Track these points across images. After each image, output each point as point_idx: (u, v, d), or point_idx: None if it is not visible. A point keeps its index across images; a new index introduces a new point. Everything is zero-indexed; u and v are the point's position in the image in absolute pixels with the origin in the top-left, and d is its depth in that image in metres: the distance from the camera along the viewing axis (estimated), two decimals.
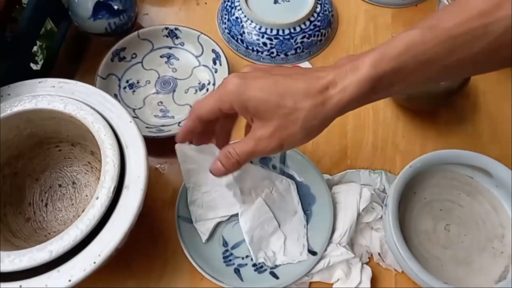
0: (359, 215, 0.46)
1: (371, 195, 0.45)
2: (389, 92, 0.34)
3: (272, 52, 0.58)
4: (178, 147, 0.43)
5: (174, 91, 0.57)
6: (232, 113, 0.36)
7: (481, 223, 0.46)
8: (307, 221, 0.46)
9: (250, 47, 0.58)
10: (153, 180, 0.51)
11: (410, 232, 0.46)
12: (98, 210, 0.38)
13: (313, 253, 0.44)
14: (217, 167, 0.37)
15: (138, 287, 0.45)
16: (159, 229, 0.48)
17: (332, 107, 0.33)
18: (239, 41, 0.59)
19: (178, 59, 0.59)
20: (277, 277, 0.43)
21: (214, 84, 0.56)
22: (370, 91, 0.32)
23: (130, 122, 0.42)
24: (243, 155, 0.35)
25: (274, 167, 0.49)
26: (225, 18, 0.61)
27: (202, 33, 0.57)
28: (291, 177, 0.48)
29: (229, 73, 0.54)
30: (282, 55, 0.58)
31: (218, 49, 0.56)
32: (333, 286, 0.44)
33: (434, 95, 0.50)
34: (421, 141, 0.53)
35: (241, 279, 0.43)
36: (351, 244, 0.46)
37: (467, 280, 0.43)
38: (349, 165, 0.52)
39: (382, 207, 0.47)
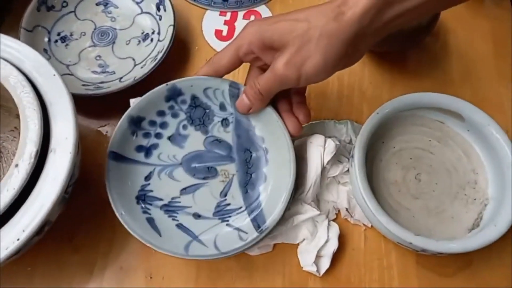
0: (324, 169, 0.42)
1: (335, 146, 0.41)
2: (403, 7, 0.32)
3: None
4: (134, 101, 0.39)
5: (114, 43, 0.50)
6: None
7: (453, 170, 0.44)
8: (265, 181, 0.42)
9: None
10: (94, 144, 0.45)
11: (379, 183, 0.43)
12: (19, 180, 0.32)
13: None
14: (241, 100, 0.40)
15: (83, 263, 0.41)
16: (104, 197, 0.43)
17: (345, 23, 0.32)
18: None
19: (117, 7, 0.52)
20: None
21: (159, 33, 0.49)
22: (382, 4, 0.31)
23: (54, 75, 0.36)
24: (263, 85, 0.36)
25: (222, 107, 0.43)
26: None
27: None
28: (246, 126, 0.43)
29: (174, 20, 0.47)
30: None
31: None
32: (299, 247, 0.40)
33: (401, 35, 0.45)
34: (389, 86, 0.49)
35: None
36: (317, 200, 0.43)
37: (438, 230, 0.41)
38: (313, 116, 0.47)
39: (348, 160, 0.43)
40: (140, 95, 0.40)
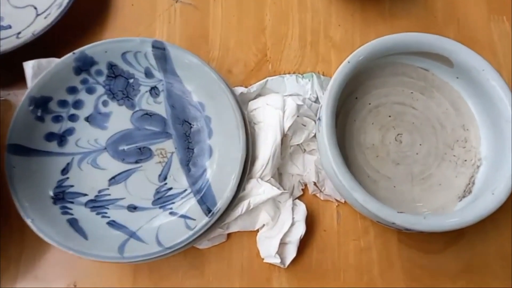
0: (285, 136, 0.33)
1: (297, 107, 0.33)
2: None
3: None
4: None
5: None
6: None
7: (439, 127, 0.36)
8: (211, 155, 0.33)
9: None
10: None
11: (353, 149, 0.35)
12: None
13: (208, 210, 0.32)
14: None
15: None
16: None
17: None
18: None
19: None
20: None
21: None
22: None
23: None
24: None
25: (148, 74, 0.34)
26: None
27: None
28: (174, 95, 0.34)
29: None
30: None
31: None
32: (258, 234, 0.33)
33: None
34: (362, 29, 0.40)
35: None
36: (279, 174, 0.35)
37: (425, 200, 0.34)
38: (271, 71, 0.38)
39: (315, 122, 0.35)
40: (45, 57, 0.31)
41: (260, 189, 0.32)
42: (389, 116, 0.37)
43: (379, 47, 0.34)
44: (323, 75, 0.39)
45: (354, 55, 0.33)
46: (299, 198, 0.35)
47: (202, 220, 0.30)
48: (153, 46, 0.33)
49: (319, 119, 0.32)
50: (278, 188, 0.32)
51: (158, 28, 0.39)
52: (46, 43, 0.35)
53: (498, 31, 0.41)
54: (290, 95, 0.36)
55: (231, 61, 0.39)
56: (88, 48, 0.32)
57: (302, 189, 0.35)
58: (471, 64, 0.34)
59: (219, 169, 0.32)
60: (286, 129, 0.33)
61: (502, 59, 0.40)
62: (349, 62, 0.33)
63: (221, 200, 0.31)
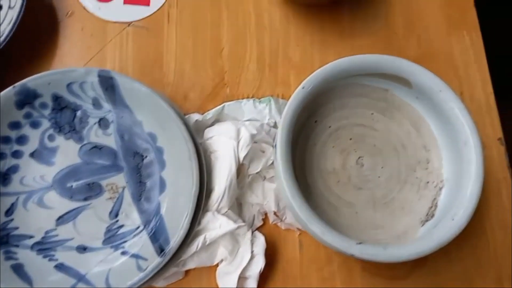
0: (241, 165, 0.32)
1: (251, 137, 0.31)
2: None
3: None
4: None
5: None
6: None
7: (401, 149, 0.36)
8: (164, 189, 0.32)
9: None
10: None
11: (314, 175, 0.34)
12: None
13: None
14: None
15: None
16: None
17: None
18: None
19: None
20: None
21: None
22: None
23: None
24: None
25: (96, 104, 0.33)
26: None
27: None
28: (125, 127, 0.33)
29: None
30: None
31: None
32: (218, 269, 0.32)
33: None
34: (321, 49, 0.40)
35: None
36: (239, 205, 0.34)
37: (388, 225, 0.33)
38: (229, 95, 0.37)
39: (273, 148, 0.34)
40: None
41: (217, 223, 0.31)
42: (350, 139, 0.36)
43: (335, 71, 0.33)
44: (282, 97, 0.38)
45: (309, 80, 0.32)
46: (260, 228, 0.33)
47: (154, 261, 0.29)
48: (99, 76, 0.31)
49: (275, 146, 0.31)
50: (236, 221, 0.31)
51: (109, 53, 0.38)
52: None
53: (458, 45, 0.41)
54: (248, 120, 0.35)
55: (187, 86, 0.37)
56: (30, 81, 0.31)
57: (263, 219, 0.34)
58: (429, 85, 0.33)
59: (173, 203, 0.31)
60: (241, 159, 0.31)
61: (463, 73, 0.40)
62: (303, 87, 0.32)
63: (174, 238, 0.29)
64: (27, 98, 0.31)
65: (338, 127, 0.36)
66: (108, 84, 0.32)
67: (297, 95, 0.32)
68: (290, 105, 0.32)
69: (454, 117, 0.32)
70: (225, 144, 0.31)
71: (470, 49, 0.40)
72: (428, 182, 0.35)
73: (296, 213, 0.29)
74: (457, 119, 0.32)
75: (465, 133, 0.32)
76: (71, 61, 0.37)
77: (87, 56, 0.37)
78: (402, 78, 0.34)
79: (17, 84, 0.31)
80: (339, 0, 0.40)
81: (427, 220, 0.33)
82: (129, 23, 0.39)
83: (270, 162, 0.34)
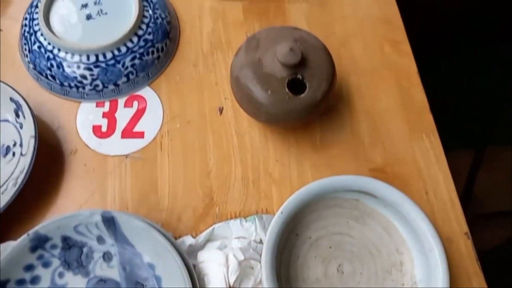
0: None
1: (238, 264, 0.35)
2: None
3: (97, 85, 0.45)
4: None
5: None
6: None
7: (376, 253, 0.39)
8: None
9: (66, 83, 0.44)
10: None
11: (299, 286, 0.38)
12: None
13: None
14: None
15: None
16: None
17: None
18: (50, 77, 0.45)
19: None
20: None
21: (21, 145, 0.41)
22: None
23: None
24: None
25: (100, 241, 0.37)
26: (25, 50, 0.46)
27: None
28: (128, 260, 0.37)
29: (35, 130, 0.40)
30: (111, 86, 0.45)
31: (17, 97, 0.41)
32: None
33: (296, 111, 0.40)
34: (297, 161, 0.44)
35: None
36: None
37: None
38: (218, 214, 0.42)
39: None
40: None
41: None
42: (330, 247, 0.40)
43: (310, 194, 0.38)
44: (266, 211, 0.42)
45: (286, 205, 0.37)
46: None
47: None
48: (102, 216, 0.36)
49: (261, 266, 0.35)
50: None
51: (110, 184, 0.42)
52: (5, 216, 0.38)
53: (419, 148, 0.46)
54: (236, 237, 0.39)
55: (180, 209, 0.42)
56: (41, 228, 0.35)
57: None
58: (392, 199, 0.38)
59: None
60: (231, 283, 0.35)
61: (426, 174, 0.44)
62: (282, 212, 0.36)
63: None
64: (39, 243, 0.35)
65: (317, 237, 0.40)
66: (110, 222, 0.36)
67: (277, 219, 0.36)
68: (272, 229, 0.36)
69: (418, 227, 0.37)
70: (216, 270, 0.35)
71: (430, 150, 0.45)
72: (404, 284, 0.38)
73: None
74: (420, 229, 0.36)
75: (428, 242, 0.36)
76: (76, 195, 0.42)
77: (90, 189, 0.42)
78: (370, 193, 0.39)
79: (31, 232, 0.35)
80: (308, 123, 0.46)
81: None
82: (126, 155, 0.44)
83: (259, 279, 0.37)
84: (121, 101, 0.46)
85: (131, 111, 0.46)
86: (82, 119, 0.45)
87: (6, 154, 0.42)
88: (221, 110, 0.47)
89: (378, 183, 0.38)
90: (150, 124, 0.45)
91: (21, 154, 0.41)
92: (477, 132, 1.17)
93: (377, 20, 0.53)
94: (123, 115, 0.45)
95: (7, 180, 0.40)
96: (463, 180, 1.16)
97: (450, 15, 1.01)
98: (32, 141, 0.40)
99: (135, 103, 0.46)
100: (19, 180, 0.38)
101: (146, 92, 0.47)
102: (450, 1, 0.97)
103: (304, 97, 0.39)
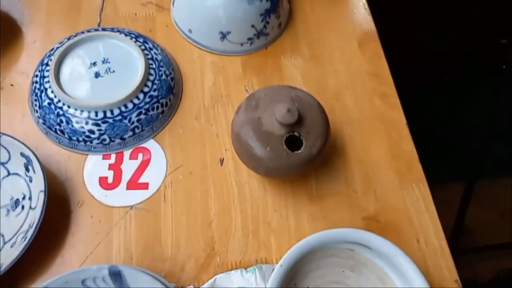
0: None
1: None
2: None
3: (104, 139, 0.47)
4: None
5: None
6: None
7: None
8: None
9: (75, 138, 0.47)
10: None
11: None
12: None
13: None
14: None
15: None
16: None
17: None
18: (59, 132, 0.47)
19: None
20: None
21: (30, 198, 0.43)
22: None
23: None
24: None
25: None
26: (35, 105, 0.48)
27: (3, 134, 0.44)
28: None
29: (45, 184, 0.42)
30: (117, 140, 0.47)
31: (27, 152, 0.43)
32: None
33: (293, 166, 0.43)
34: (294, 211, 0.47)
35: None
36: None
37: None
38: (219, 264, 0.43)
39: None
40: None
41: None
42: None
43: (308, 247, 0.39)
44: (266, 260, 0.44)
45: (285, 259, 0.38)
46: None
47: None
48: (109, 270, 0.37)
49: None
50: None
51: (115, 235, 0.44)
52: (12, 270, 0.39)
53: (410, 197, 0.48)
54: None
55: (183, 259, 0.43)
56: (51, 283, 0.36)
57: None
58: (385, 251, 0.40)
59: None
60: None
61: (417, 222, 0.47)
62: (281, 265, 0.38)
63: None
64: None
65: (316, 286, 0.42)
66: (116, 276, 0.37)
67: (277, 272, 0.38)
68: (272, 282, 0.37)
69: (411, 278, 0.39)
70: None
71: (420, 200, 0.48)
72: None
73: None
74: (413, 280, 0.38)
75: None
76: (82, 247, 0.43)
77: (96, 240, 0.44)
78: (363, 244, 0.41)
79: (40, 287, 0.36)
80: (304, 175, 0.48)
81: None
82: (131, 206, 0.46)
83: None
84: (127, 153, 0.48)
85: (136, 163, 0.48)
86: (89, 171, 0.47)
87: (15, 207, 0.44)
88: (221, 161, 0.49)
89: (372, 236, 0.40)
90: (154, 175, 0.47)
91: (30, 207, 0.43)
92: (467, 166, 1.21)
93: (366, 74, 0.57)
94: (128, 167, 0.48)
95: (15, 234, 0.42)
96: (454, 213, 1.19)
97: (437, 54, 1.06)
98: (42, 195, 0.41)
99: (140, 155, 0.48)
100: (29, 235, 0.40)
101: (151, 144, 0.49)
102: (436, 42, 1.03)
103: (301, 153, 0.42)
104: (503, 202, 1.13)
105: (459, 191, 1.20)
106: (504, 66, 0.97)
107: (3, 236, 0.42)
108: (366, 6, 0.63)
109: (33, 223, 0.40)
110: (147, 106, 0.48)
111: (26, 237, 0.40)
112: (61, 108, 0.46)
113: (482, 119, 1.16)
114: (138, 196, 0.46)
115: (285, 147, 0.42)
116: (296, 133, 0.42)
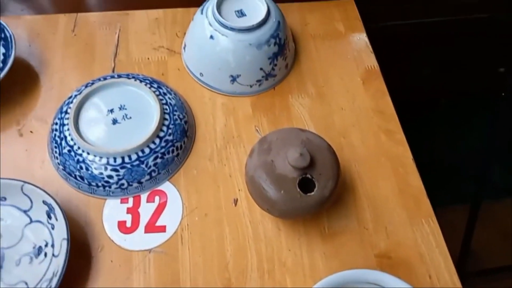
0: None
1: None
2: None
3: (123, 184, 0.49)
4: None
5: (0, 267, 0.44)
6: None
7: None
8: None
9: (94, 183, 0.48)
10: None
11: None
12: None
13: None
14: None
15: None
16: None
17: None
18: (79, 178, 0.49)
19: (1, 219, 0.46)
20: None
21: (53, 246, 0.45)
22: None
23: None
24: None
25: None
26: (56, 152, 0.50)
27: (25, 182, 0.46)
28: None
29: (67, 231, 0.43)
30: (135, 184, 0.49)
31: (49, 200, 0.45)
32: None
33: (306, 208, 0.44)
34: (308, 251, 0.48)
35: None
36: None
37: None
38: None
39: None
40: None
41: None
42: None
43: None
44: None
45: None
46: None
47: None
48: None
49: None
50: None
51: (135, 279, 0.45)
52: None
53: (420, 233, 0.49)
54: None
55: None
56: None
57: None
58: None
59: None
60: None
61: (428, 258, 0.48)
62: None
63: None
64: None
65: None
66: None
67: None
68: None
69: None
70: None
71: (430, 235, 0.49)
72: None
73: None
74: None
75: None
76: None
77: (116, 285, 0.45)
78: (378, 284, 0.42)
79: None
80: (320, 212, 0.50)
81: None
82: (150, 250, 0.47)
83: None
84: (144, 197, 0.50)
85: (153, 206, 0.49)
86: (108, 215, 0.49)
87: (38, 254, 0.45)
88: (235, 202, 0.51)
89: (385, 276, 0.41)
90: (171, 217, 0.49)
91: (53, 255, 0.44)
92: (471, 188, 1.22)
93: (371, 111, 0.59)
94: (146, 210, 0.49)
95: (40, 281, 0.43)
96: (460, 236, 1.19)
97: (436, 84, 1.09)
98: (65, 243, 0.43)
99: (157, 198, 0.50)
100: (53, 283, 0.41)
101: (167, 187, 0.51)
102: (434, 73, 1.05)
103: (314, 195, 0.44)
104: (505, 224, 1.14)
105: (464, 214, 1.21)
106: (503, 94, 1.00)
107: (26, 283, 0.43)
108: (369, 44, 0.66)
109: (57, 272, 0.41)
110: (163, 150, 0.50)
111: (51, 286, 0.41)
112: (80, 155, 0.48)
113: (481, 143, 1.18)
114: (156, 239, 0.47)
115: (298, 189, 0.43)
116: (308, 175, 0.44)
